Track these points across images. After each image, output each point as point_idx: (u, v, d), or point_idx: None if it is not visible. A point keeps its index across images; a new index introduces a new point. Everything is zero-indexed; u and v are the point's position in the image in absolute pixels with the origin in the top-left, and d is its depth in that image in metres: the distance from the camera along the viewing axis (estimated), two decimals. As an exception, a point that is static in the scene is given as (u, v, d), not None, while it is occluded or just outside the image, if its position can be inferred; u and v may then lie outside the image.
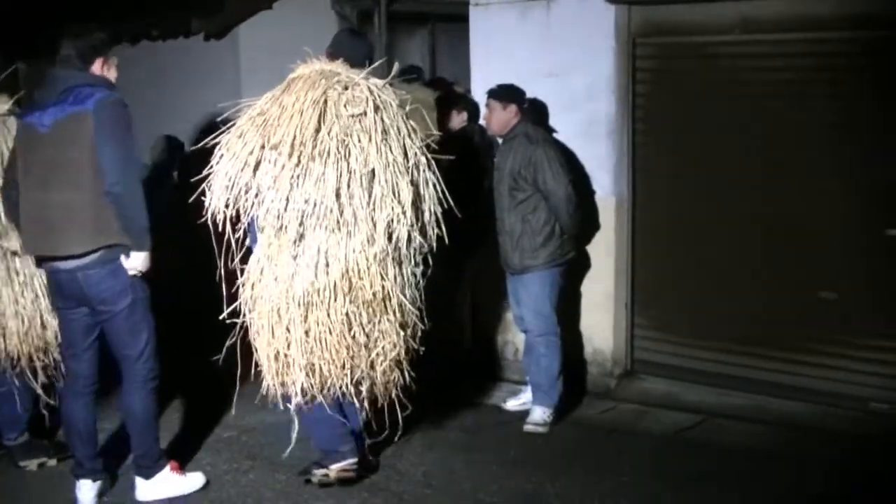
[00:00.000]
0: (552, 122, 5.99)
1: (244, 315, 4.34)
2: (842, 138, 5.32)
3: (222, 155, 4.25)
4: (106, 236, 4.36)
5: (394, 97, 4.34)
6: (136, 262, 4.41)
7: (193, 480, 4.78)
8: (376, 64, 4.47)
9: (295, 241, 4.21)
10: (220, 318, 4.33)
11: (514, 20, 6.24)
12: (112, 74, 4.58)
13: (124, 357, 4.54)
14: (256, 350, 4.38)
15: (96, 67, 4.49)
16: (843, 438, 5.07)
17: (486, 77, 6.19)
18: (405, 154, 4.26)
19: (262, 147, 4.19)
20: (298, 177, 4.14)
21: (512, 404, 5.84)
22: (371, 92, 4.26)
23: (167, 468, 4.70)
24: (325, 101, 4.20)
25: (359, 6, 7.89)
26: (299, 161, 4.13)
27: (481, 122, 5.98)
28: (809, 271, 5.49)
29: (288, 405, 4.43)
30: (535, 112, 5.79)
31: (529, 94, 5.65)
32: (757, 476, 4.78)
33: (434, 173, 4.36)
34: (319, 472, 4.66)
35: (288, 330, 4.26)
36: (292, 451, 5.10)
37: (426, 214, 4.33)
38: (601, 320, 6.11)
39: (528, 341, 5.60)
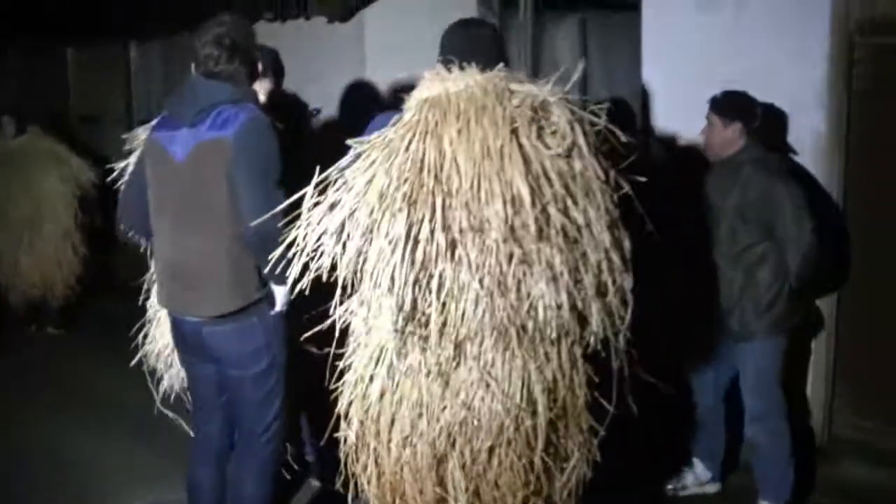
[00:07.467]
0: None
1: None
2: None
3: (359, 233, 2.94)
4: (243, 297, 3.56)
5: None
6: (280, 298, 3.57)
7: None
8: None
9: (483, 352, 2.97)
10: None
11: (694, 11, 5.11)
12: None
13: (246, 431, 3.76)
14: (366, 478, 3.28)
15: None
16: None
17: (657, 79, 5.20)
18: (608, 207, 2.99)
19: (444, 229, 2.81)
20: (519, 269, 2.85)
21: (686, 484, 4.78)
22: (573, 114, 2.98)
23: None
24: (520, 144, 2.90)
25: (501, -12, 6.83)
26: (522, 249, 2.84)
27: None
28: None
29: None
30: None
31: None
32: None
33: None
34: None
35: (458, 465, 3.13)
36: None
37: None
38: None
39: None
